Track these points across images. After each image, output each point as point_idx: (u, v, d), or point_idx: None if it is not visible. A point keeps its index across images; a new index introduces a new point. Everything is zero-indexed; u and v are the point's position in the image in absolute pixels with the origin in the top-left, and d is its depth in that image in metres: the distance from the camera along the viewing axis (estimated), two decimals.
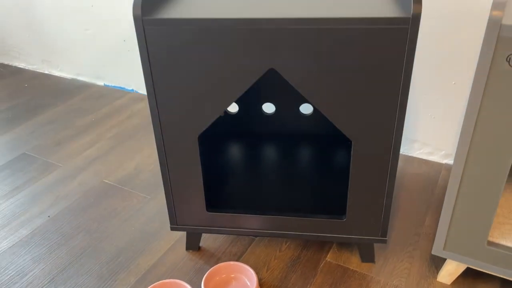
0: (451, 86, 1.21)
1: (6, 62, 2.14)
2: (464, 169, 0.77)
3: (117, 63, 1.80)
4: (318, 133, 1.20)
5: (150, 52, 0.76)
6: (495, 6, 0.65)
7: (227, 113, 1.22)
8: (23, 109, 1.71)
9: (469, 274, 0.94)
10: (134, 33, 1.68)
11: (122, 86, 1.85)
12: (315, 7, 0.75)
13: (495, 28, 0.64)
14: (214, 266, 0.93)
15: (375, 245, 1.02)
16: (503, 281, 0.92)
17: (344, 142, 1.17)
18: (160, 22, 0.73)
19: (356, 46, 0.71)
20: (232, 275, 0.93)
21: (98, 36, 1.77)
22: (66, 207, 1.20)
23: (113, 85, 1.87)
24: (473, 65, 1.16)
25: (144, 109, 1.70)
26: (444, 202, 0.82)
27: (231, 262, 0.94)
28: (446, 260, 0.91)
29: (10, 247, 1.07)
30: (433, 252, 0.88)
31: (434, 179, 1.26)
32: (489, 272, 0.85)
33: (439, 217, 1.10)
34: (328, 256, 1.01)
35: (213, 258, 1.02)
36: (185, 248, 1.04)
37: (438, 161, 1.33)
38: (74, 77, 1.96)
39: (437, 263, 0.98)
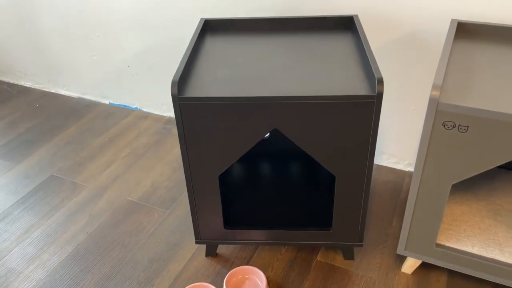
0: (411, 111, 1.49)
1: (12, 81, 2.31)
2: (418, 192, 1.05)
3: (121, 83, 2.01)
4: (303, 153, 1.46)
5: (183, 119, 1.00)
6: (434, 88, 0.92)
7: None
8: (41, 131, 1.92)
9: (424, 266, 1.24)
10: (138, 60, 1.89)
11: (127, 104, 2.06)
12: (304, 82, 1.01)
13: (434, 104, 0.91)
14: (231, 270, 1.20)
15: None
16: (449, 270, 1.23)
17: None
18: (191, 99, 0.97)
19: (338, 113, 0.97)
20: (246, 276, 1.21)
21: (103, 61, 1.97)
22: (100, 223, 1.44)
23: (118, 103, 2.08)
24: (426, 95, 1.44)
25: (149, 127, 1.93)
26: (405, 215, 1.10)
27: (245, 266, 1.21)
28: (407, 257, 1.21)
29: (60, 261, 1.32)
30: (397, 252, 1.17)
31: (399, 185, 1.56)
32: (438, 265, 1.15)
33: (402, 219, 1.39)
34: (318, 256, 1.29)
35: (228, 263, 1.29)
36: (204, 255, 1.31)
37: (403, 169, 1.62)
38: (80, 96, 2.16)
39: (401, 258, 1.28)
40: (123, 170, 1.68)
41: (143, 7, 1.72)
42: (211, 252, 1.30)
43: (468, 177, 0.98)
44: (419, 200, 1.06)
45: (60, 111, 2.07)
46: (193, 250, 1.33)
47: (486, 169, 0.95)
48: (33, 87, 2.26)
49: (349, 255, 1.27)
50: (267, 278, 1.23)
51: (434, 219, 1.07)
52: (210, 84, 1.03)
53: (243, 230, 1.20)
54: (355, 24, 1.23)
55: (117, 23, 1.82)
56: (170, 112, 1.99)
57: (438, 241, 1.13)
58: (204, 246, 1.33)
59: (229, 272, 1.19)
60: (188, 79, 1.05)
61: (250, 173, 1.43)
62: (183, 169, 1.66)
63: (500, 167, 1.38)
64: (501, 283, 1.10)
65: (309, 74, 1.05)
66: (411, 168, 1.61)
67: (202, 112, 0.99)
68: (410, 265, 1.22)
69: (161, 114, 2.01)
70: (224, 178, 1.40)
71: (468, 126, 0.92)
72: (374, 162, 1.66)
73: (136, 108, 2.05)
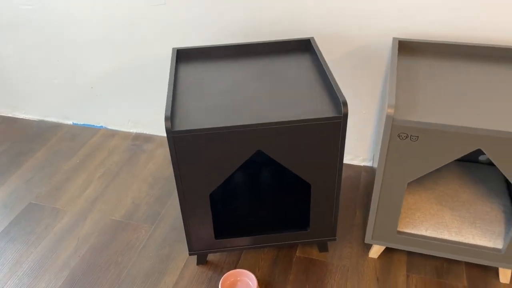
0: (363, 114, 1.70)
1: None
2: (380, 190, 1.25)
3: (84, 104, 2.05)
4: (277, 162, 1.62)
5: (176, 149, 1.12)
6: (389, 106, 1.10)
7: None
8: (8, 158, 1.92)
9: (387, 249, 1.45)
10: (101, 81, 1.94)
11: (91, 123, 2.11)
12: (279, 107, 1.16)
13: (390, 120, 1.10)
14: (224, 275, 1.34)
15: None
16: (408, 252, 1.45)
17: None
18: (184, 132, 1.09)
19: (311, 132, 1.13)
20: (238, 279, 1.35)
21: (65, 84, 2.00)
22: (89, 246, 1.52)
23: (82, 123, 2.12)
24: (374, 101, 1.64)
25: (118, 145, 2.00)
26: (370, 210, 1.30)
27: (236, 270, 1.35)
28: (373, 244, 1.41)
29: (59, 286, 1.39)
30: (365, 241, 1.37)
31: (357, 179, 1.76)
32: (400, 248, 1.36)
33: (364, 209, 1.60)
34: (297, 252, 1.47)
35: (218, 268, 1.43)
36: (195, 264, 1.44)
37: (358, 164, 1.83)
38: (42, 118, 2.17)
39: (368, 245, 1.48)
40: (101, 190, 1.75)
41: (104, 29, 1.78)
42: (201, 261, 1.43)
43: (420, 176, 1.18)
44: (382, 197, 1.25)
45: (23, 135, 2.07)
46: (184, 260, 1.45)
47: (434, 169, 1.16)
48: None
49: (323, 248, 1.45)
50: (256, 278, 1.38)
51: (395, 211, 1.27)
52: (197, 115, 1.15)
53: (232, 238, 1.35)
54: (312, 46, 1.40)
55: (78, 46, 1.86)
56: (136, 128, 2.06)
57: (399, 229, 1.34)
58: (193, 255, 1.46)
59: (222, 277, 1.33)
60: (175, 112, 1.17)
61: (231, 184, 1.56)
62: (160, 184, 1.76)
63: None
64: (451, 258, 1.33)
65: (281, 99, 1.20)
66: (365, 163, 1.82)
67: (193, 141, 1.11)
68: (376, 250, 1.42)
69: (128, 130, 2.08)
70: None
71: (418, 136, 1.11)
72: None
73: (101, 126, 2.11)
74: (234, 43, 1.42)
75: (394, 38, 1.41)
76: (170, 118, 1.10)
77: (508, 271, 1.32)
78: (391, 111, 1.10)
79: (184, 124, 1.12)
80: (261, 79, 1.29)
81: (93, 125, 2.11)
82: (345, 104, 1.11)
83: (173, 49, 1.41)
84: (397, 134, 1.13)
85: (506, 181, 1.49)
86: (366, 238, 1.37)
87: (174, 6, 1.64)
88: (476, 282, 1.35)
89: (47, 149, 1.98)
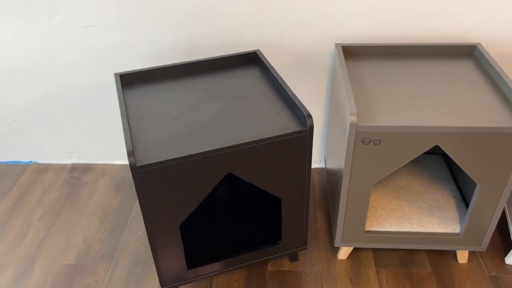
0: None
1: None
2: (348, 194, 1.27)
3: (7, 140, 1.85)
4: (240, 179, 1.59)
5: (142, 184, 1.04)
6: (351, 114, 1.12)
7: None
8: None
9: (355, 249, 1.49)
10: (24, 114, 1.76)
11: (18, 160, 1.91)
12: (242, 127, 1.13)
13: (354, 128, 1.12)
14: None
15: None
16: (373, 249, 1.50)
17: None
18: (149, 166, 1.02)
19: (279, 148, 1.12)
20: None
21: None
22: None
23: (6, 161, 1.92)
24: (321, 105, 1.68)
25: (54, 180, 1.83)
26: (338, 214, 1.32)
27: None
28: (341, 247, 1.44)
29: None
30: (335, 245, 1.40)
31: (312, 181, 1.79)
32: (368, 247, 1.41)
33: (325, 212, 1.62)
34: (269, 266, 1.45)
35: None
36: None
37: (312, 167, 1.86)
38: None
39: (335, 247, 1.51)
40: (44, 233, 1.59)
41: (24, 57, 1.62)
42: None
43: (384, 177, 1.23)
44: (349, 201, 1.28)
45: None
46: None
47: (397, 169, 1.21)
48: None
49: (294, 257, 1.45)
50: None
51: (362, 213, 1.31)
52: (158, 144, 1.08)
53: (203, 266, 1.29)
54: (260, 58, 1.38)
55: None
56: (71, 159, 1.91)
57: (366, 229, 1.38)
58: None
59: None
60: (134, 144, 1.09)
61: (197, 208, 1.50)
62: (110, 217, 1.64)
63: None
64: (414, 248, 1.40)
65: (242, 118, 1.17)
66: (316, 165, 1.86)
67: (160, 174, 1.05)
68: (344, 252, 1.45)
69: (63, 162, 1.91)
70: None
71: (381, 140, 1.15)
72: None
73: (30, 162, 1.92)
74: (179, 63, 1.37)
75: (336, 44, 1.44)
76: (135, 153, 1.03)
77: (466, 252, 1.42)
78: (354, 118, 1.12)
79: (148, 157, 1.05)
80: (215, 99, 1.25)
81: (21, 161, 1.92)
82: (310, 117, 1.11)
83: (115, 74, 1.32)
84: (361, 140, 1.15)
85: (449, 166, 1.60)
86: (335, 242, 1.39)
87: (104, 27, 1.53)
88: (438, 267, 1.44)
89: None
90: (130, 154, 1.01)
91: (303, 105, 1.14)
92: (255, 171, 1.14)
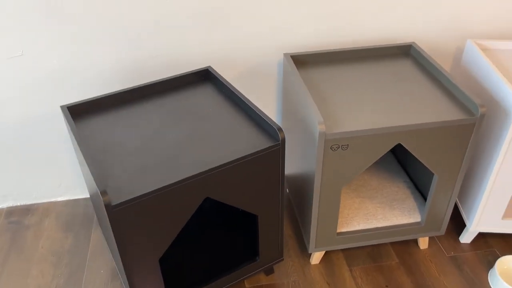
0: None
1: None
2: (319, 200, 1.29)
3: None
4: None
5: (119, 222, 0.97)
6: (319, 123, 1.14)
7: None
8: None
9: (326, 252, 1.51)
10: None
11: None
12: (214, 149, 1.10)
13: (323, 136, 1.14)
14: None
15: None
16: (343, 250, 1.53)
17: None
18: (124, 203, 0.95)
19: (253, 165, 1.10)
20: None
21: None
22: None
23: None
24: (273, 114, 1.69)
25: None
26: (311, 221, 1.33)
27: None
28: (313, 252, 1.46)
29: None
30: (309, 251, 1.41)
31: None
32: (340, 249, 1.44)
33: (289, 219, 1.63)
34: (246, 284, 1.42)
35: None
36: None
37: None
38: None
39: (307, 253, 1.52)
40: None
41: None
42: None
43: (352, 179, 1.26)
44: (321, 206, 1.30)
45: None
46: None
47: (363, 170, 1.25)
48: None
49: (269, 271, 1.44)
50: None
51: (333, 217, 1.33)
52: (128, 179, 1.01)
53: None
54: (213, 75, 1.36)
55: None
56: (6, 202, 1.72)
57: (337, 231, 1.41)
58: None
59: None
60: (103, 181, 1.01)
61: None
62: (64, 260, 1.51)
63: None
64: (382, 242, 1.46)
65: (209, 140, 1.14)
66: None
67: (137, 210, 0.98)
68: (317, 257, 1.47)
69: None
70: None
71: (348, 144, 1.18)
72: None
73: None
74: (130, 88, 1.29)
75: (285, 54, 1.46)
76: (109, 192, 0.95)
77: (426, 238, 1.52)
78: (322, 127, 1.14)
79: (121, 193, 0.97)
80: (175, 122, 1.21)
81: None
82: (281, 130, 1.11)
83: (62, 106, 1.21)
84: (330, 147, 1.18)
85: (398, 160, 1.69)
86: (310, 248, 1.41)
87: (35, 55, 1.40)
88: (404, 256, 1.51)
89: None
90: (104, 193, 0.93)
91: (270, 118, 1.14)
92: (232, 192, 1.11)
